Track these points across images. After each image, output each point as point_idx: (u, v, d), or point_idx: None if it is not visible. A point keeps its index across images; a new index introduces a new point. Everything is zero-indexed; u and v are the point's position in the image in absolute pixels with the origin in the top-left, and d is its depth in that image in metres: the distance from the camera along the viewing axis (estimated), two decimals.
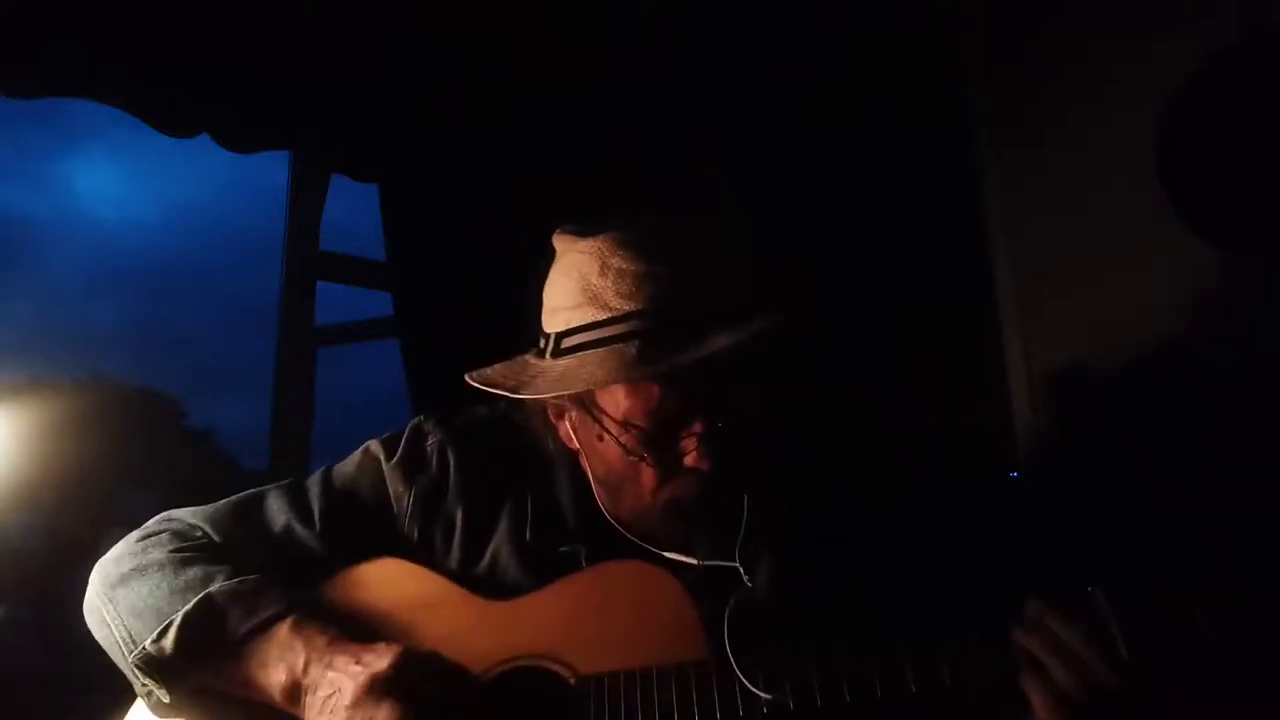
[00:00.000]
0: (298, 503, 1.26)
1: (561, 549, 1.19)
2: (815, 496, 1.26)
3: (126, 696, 1.17)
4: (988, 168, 2.25)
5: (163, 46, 2.07)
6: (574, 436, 1.20)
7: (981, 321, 2.23)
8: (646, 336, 1.07)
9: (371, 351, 2.98)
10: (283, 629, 1.09)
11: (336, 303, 2.94)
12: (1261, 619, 0.89)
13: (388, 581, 1.20)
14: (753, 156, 2.66)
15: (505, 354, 1.24)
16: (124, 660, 1.12)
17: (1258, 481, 1.48)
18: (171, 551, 1.18)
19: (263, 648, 1.08)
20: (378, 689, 1.00)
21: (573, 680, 1.08)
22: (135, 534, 1.24)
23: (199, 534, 1.23)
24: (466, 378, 1.20)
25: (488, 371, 1.21)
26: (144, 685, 1.12)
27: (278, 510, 1.25)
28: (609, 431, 1.11)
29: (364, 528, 1.25)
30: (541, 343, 1.18)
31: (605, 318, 1.09)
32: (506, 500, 1.24)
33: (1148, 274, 1.84)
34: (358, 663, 1.03)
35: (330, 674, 1.03)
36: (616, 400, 1.10)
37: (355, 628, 1.12)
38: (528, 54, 2.47)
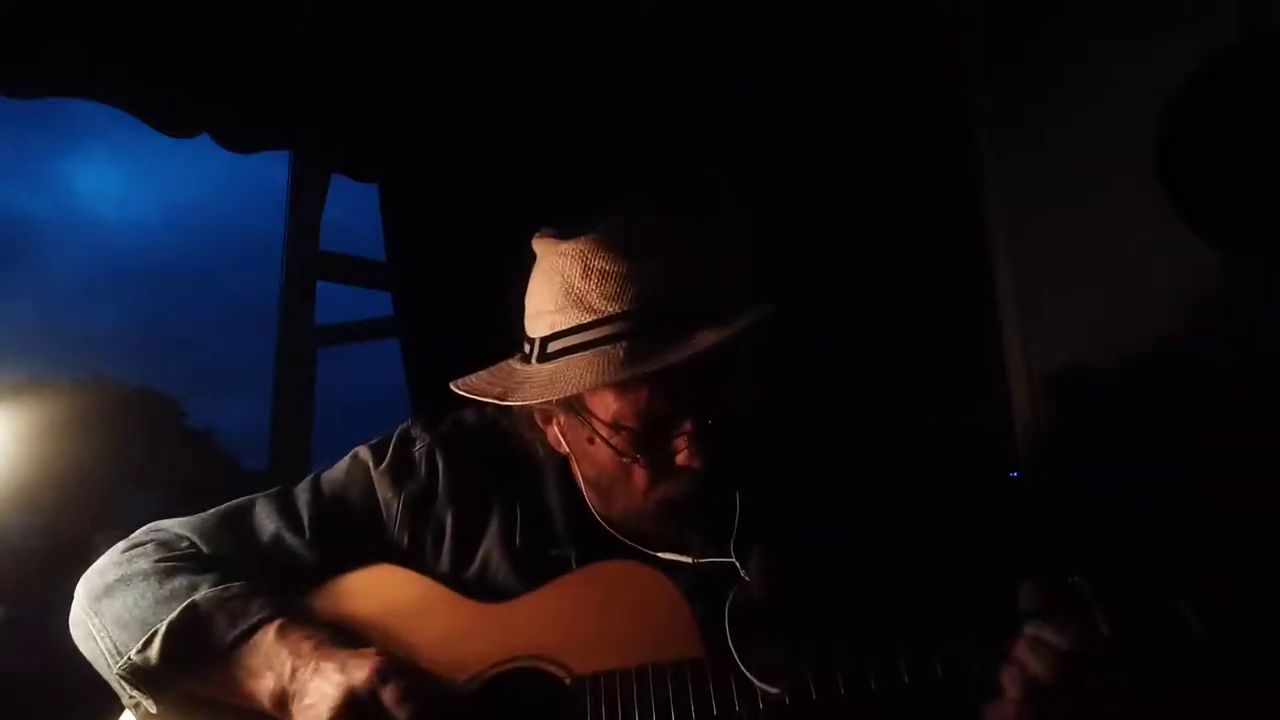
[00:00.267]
0: (286, 510, 1.26)
1: (552, 552, 1.19)
2: (809, 491, 1.25)
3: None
4: (988, 168, 2.25)
5: (163, 46, 2.07)
6: (563, 440, 1.20)
7: (981, 321, 2.23)
8: (632, 337, 1.06)
9: (371, 351, 2.98)
10: (269, 635, 1.08)
11: (336, 303, 2.94)
12: (1246, 611, 0.89)
13: (380, 587, 1.20)
14: (753, 156, 2.66)
15: (505, 354, 1.24)
16: (110, 672, 1.12)
17: (1258, 481, 1.48)
18: (156, 561, 1.17)
19: (249, 654, 1.07)
20: (357, 700, 1.00)
21: (568, 681, 1.08)
22: (120, 545, 1.23)
23: (185, 544, 1.22)
24: (452, 386, 1.20)
25: (473, 379, 1.21)
26: (131, 697, 1.11)
27: (266, 518, 1.25)
28: (599, 434, 1.11)
29: (354, 534, 1.25)
30: (526, 348, 1.18)
31: (590, 320, 1.09)
32: (495, 504, 1.24)
33: (1148, 274, 1.84)
34: (341, 670, 1.02)
35: (314, 681, 1.03)
36: (606, 402, 1.10)
37: (348, 634, 1.12)
38: (528, 54, 2.47)
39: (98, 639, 1.13)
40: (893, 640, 0.99)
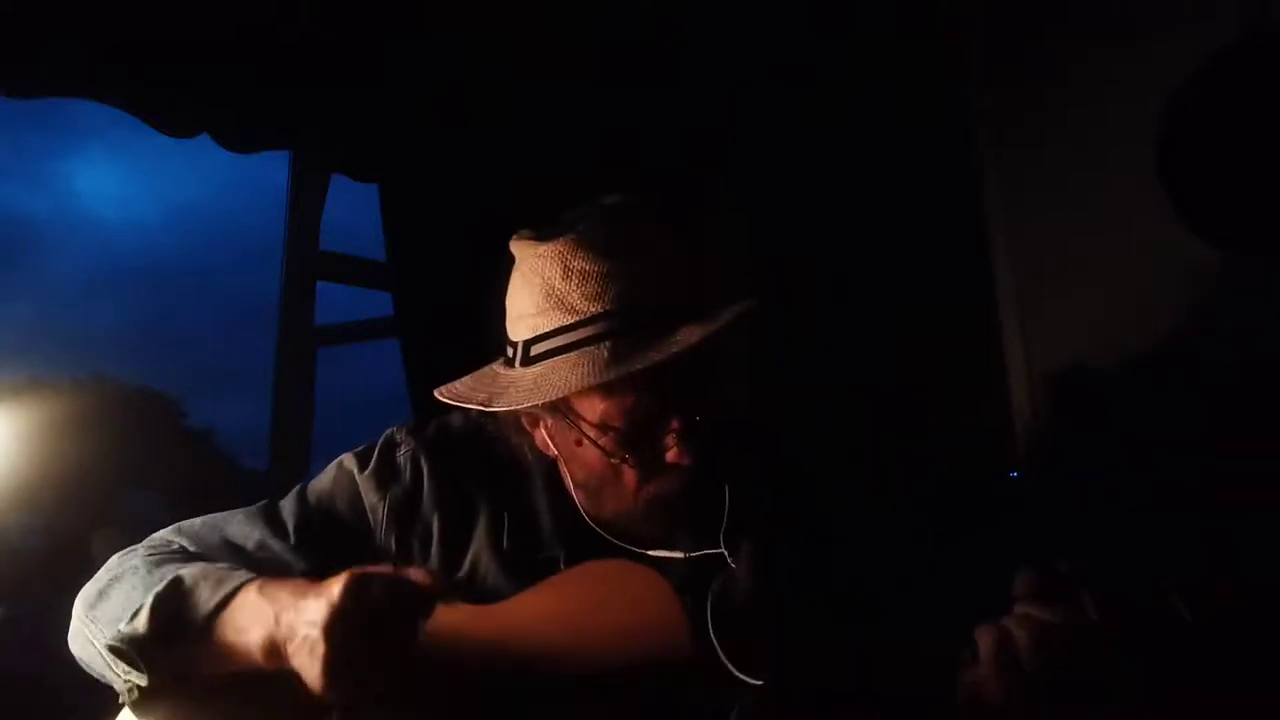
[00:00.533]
0: (272, 520, 1.25)
1: (540, 554, 1.19)
2: (801, 487, 1.25)
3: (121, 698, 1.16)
4: (988, 168, 2.25)
5: (163, 46, 2.07)
6: (551, 443, 1.19)
7: (981, 321, 2.23)
8: (616, 337, 1.06)
9: (371, 351, 2.98)
10: (250, 593, 1.07)
11: (336, 303, 2.94)
12: (1237, 599, 0.89)
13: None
14: (753, 156, 2.66)
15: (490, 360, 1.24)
16: (102, 657, 1.11)
17: (1257, 481, 1.48)
18: (145, 558, 1.18)
19: (236, 615, 1.06)
20: (343, 613, 0.96)
21: (559, 681, 1.08)
22: (115, 556, 1.24)
23: (175, 545, 1.23)
24: (436, 394, 1.20)
25: (457, 386, 1.20)
26: (125, 678, 1.10)
27: (252, 527, 1.25)
28: (587, 435, 1.10)
29: (340, 541, 1.24)
30: (509, 352, 1.17)
31: (572, 321, 1.08)
32: (482, 507, 1.24)
33: (1148, 274, 1.84)
34: (317, 598, 0.99)
35: (300, 617, 1.00)
36: (592, 403, 1.09)
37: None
38: (528, 54, 2.47)
39: (95, 641, 1.13)
40: (881, 633, 0.99)
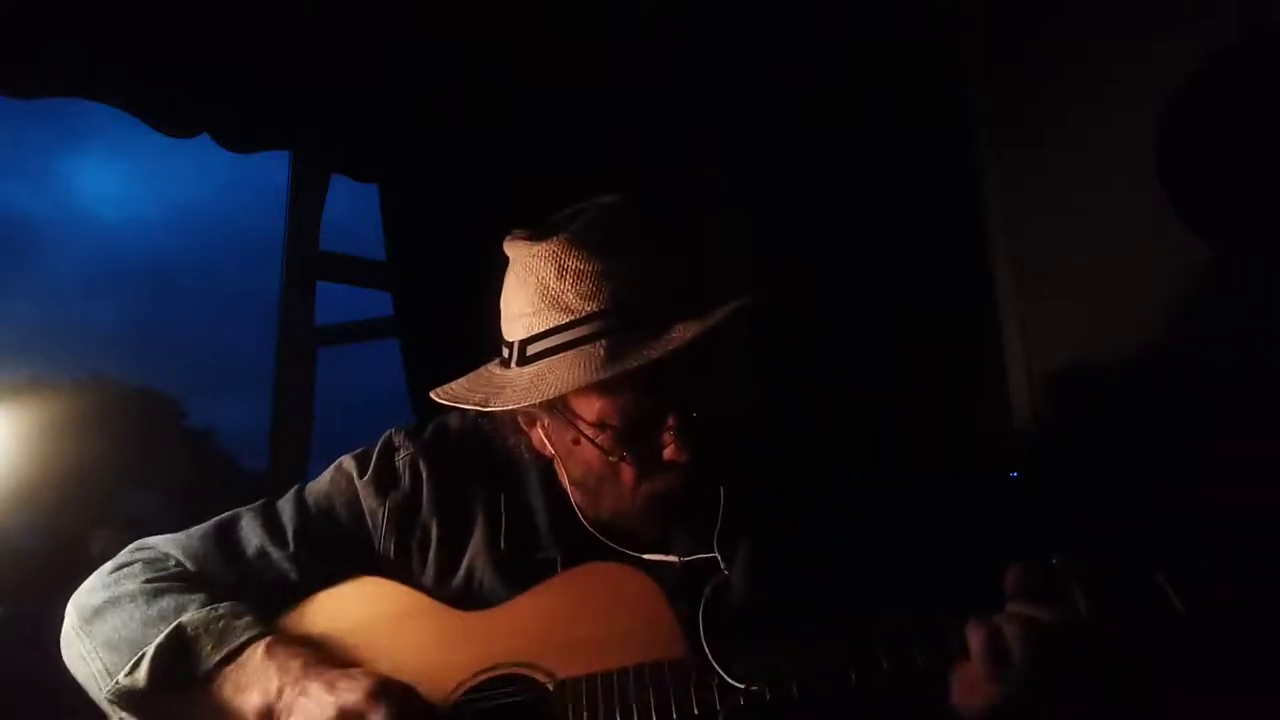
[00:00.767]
0: (270, 524, 1.25)
1: (538, 556, 1.19)
2: (795, 486, 1.25)
3: None
4: (988, 168, 2.25)
5: (163, 46, 2.07)
6: (548, 443, 1.19)
7: (981, 321, 2.23)
8: (611, 335, 1.06)
9: (371, 351, 2.98)
10: (256, 654, 1.08)
11: (336, 303, 2.94)
12: (1230, 594, 0.89)
13: (363, 599, 1.20)
14: (753, 156, 2.66)
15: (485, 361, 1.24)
16: (100, 694, 1.12)
17: (1257, 481, 1.48)
18: (144, 582, 1.17)
19: (236, 674, 1.08)
20: None
21: (551, 686, 1.07)
22: (108, 565, 1.23)
23: (172, 563, 1.22)
24: (433, 395, 1.19)
25: (453, 387, 1.20)
26: (119, 718, 1.11)
27: (250, 533, 1.25)
28: (584, 434, 1.10)
29: (339, 545, 1.25)
30: (504, 352, 1.17)
31: (568, 320, 1.08)
32: (480, 510, 1.24)
33: (1148, 274, 1.84)
34: (330, 691, 1.02)
35: (302, 700, 1.03)
36: (589, 402, 1.09)
37: (332, 647, 1.13)
38: (528, 54, 2.47)
39: (88, 660, 1.13)
40: (870, 630, 0.99)
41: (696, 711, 1.00)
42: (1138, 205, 1.82)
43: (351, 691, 1.01)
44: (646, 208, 1.17)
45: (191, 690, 1.08)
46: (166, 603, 1.14)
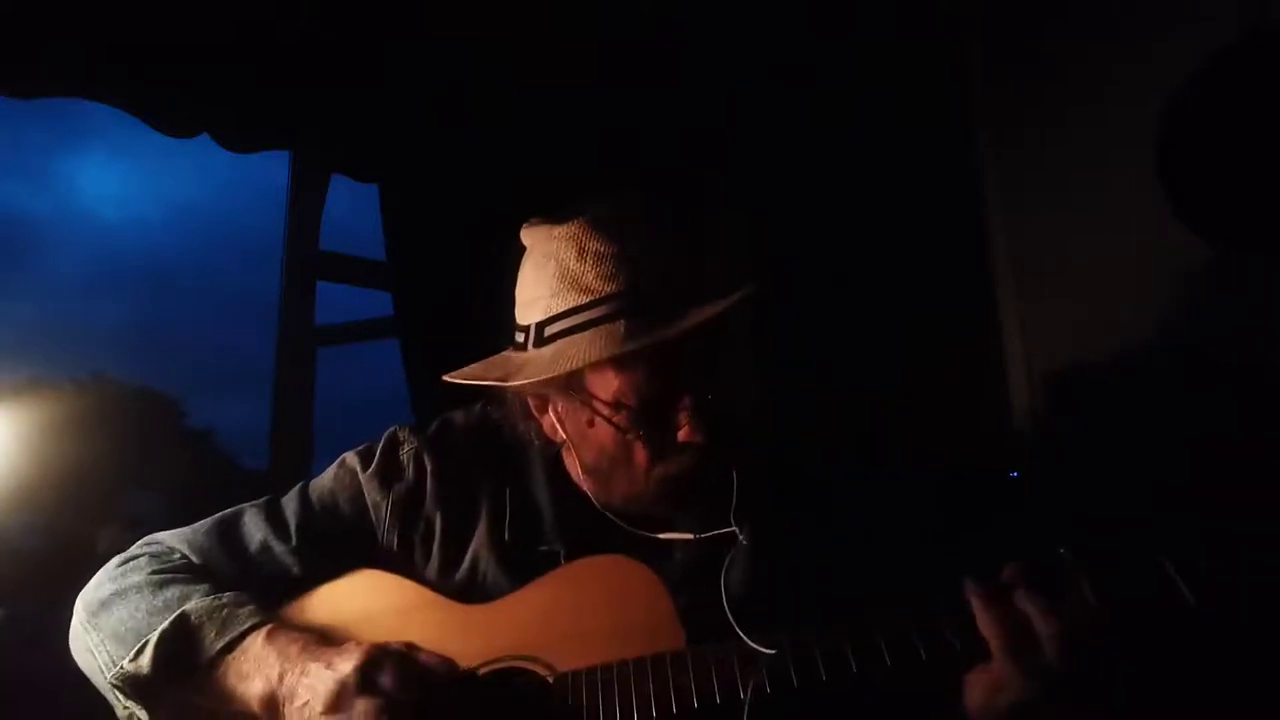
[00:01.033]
0: (274, 519, 1.26)
1: (541, 548, 1.19)
2: (806, 469, 1.27)
3: None
4: (988, 168, 2.25)
5: (163, 46, 2.07)
6: (560, 428, 1.19)
7: (981, 321, 2.23)
8: (631, 314, 1.07)
9: (371, 351, 2.98)
10: (257, 641, 1.09)
11: (336, 303, 2.94)
12: (1239, 585, 0.89)
13: (366, 592, 1.21)
14: (753, 156, 2.66)
15: (498, 351, 1.24)
16: (105, 682, 1.12)
17: (1257, 481, 1.48)
18: (150, 574, 1.18)
19: (239, 661, 1.08)
20: (348, 693, 1.00)
21: (552, 679, 1.08)
22: (115, 559, 1.24)
23: (178, 556, 1.23)
24: (447, 378, 1.20)
25: (468, 370, 1.21)
26: (125, 709, 1.12)
27: (254, 528, 1.25)
28: (600, 413, 1.11)
29: (343, 540, 1.25)
30: (519, 337, 1.18)
31: (587, 301, 1.09)
32: (484, 503, 1.24)
33: (1148, 274, 1.84)
34: (328, 667, 1.03)
35: (304, 681, 1.03)
36: (606, 381, 1.10)
37: (335, 640, 1.12)
38: (528, 54, 2.47)
39: (95, 653, 1.14)
40: (892, 604, 1.00)
41: (697, 704, 1.01)
42: (1138, 205, 1.82)
43: (349, 661, 1.02)
44: (664, 201, 1.19)
45: (195, 678, 1.09)
46: (171, 593, 1.14)
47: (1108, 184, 1.94)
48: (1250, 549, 0.91)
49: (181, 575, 1.19)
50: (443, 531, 1.23)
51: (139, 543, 1.27)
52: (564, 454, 1.24)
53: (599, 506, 1.21)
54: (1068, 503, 1.92)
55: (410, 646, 1.07)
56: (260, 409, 2.70)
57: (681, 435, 1.10)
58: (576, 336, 1.09)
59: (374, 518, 1.26)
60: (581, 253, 1.11)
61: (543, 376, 1.10)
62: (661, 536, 1.18)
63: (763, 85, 2.64)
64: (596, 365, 1.08)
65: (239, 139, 2.29)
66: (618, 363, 1.08)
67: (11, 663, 2.19)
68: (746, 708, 0.99)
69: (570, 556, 1.17)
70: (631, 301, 1.08)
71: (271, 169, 2.88)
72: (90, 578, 1.23)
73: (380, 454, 1.29)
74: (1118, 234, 1.90)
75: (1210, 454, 1.63)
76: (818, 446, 1.37)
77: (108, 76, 2.05)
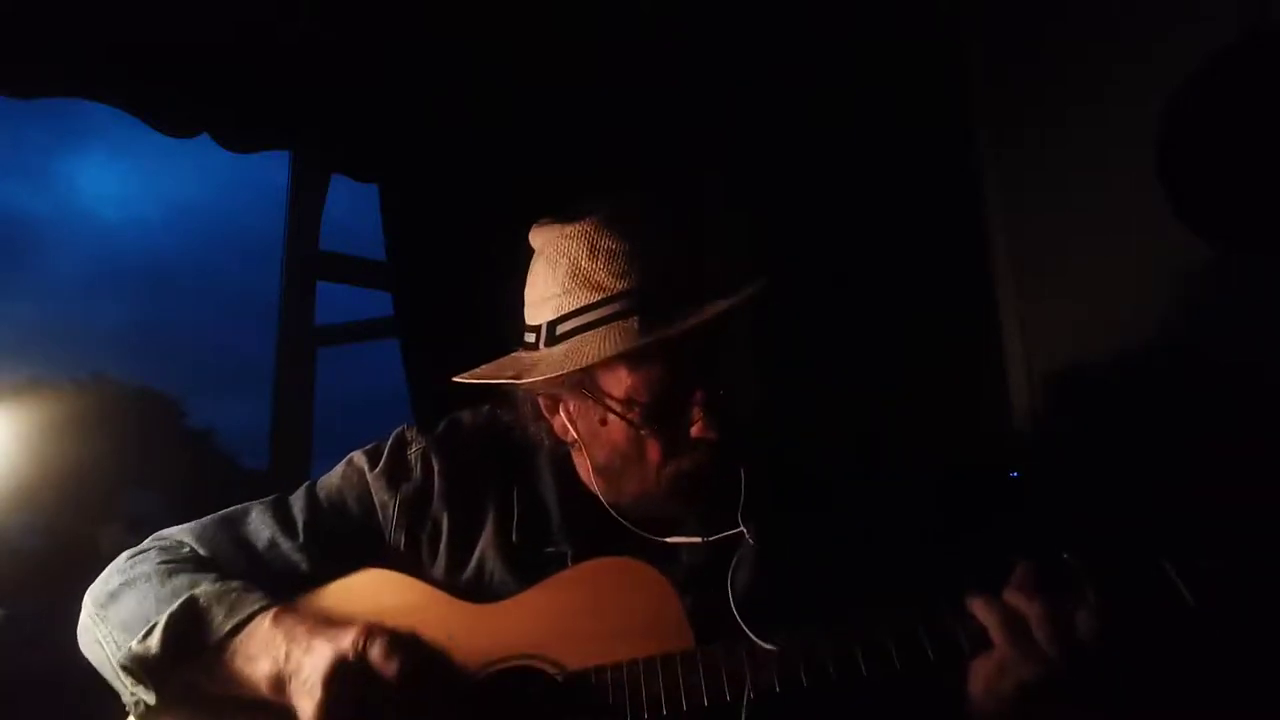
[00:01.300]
0: (282, 517, 1.26)
1: (548, 549, 1.20)
2: (811, 468, 1.27)
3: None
4: (988, 168, 2.25)
5: (163, 46, 2.07)
6: (572, 427, 1.19)
7: (981, 321, 2.23)
8: (644, 311, 1.08)
9: (371, 351, 2.98)
10: (264, 623, 1.09)
11: (336, 303, 2.94)
12: (1239, 586, 0.90)
13: (373, 591, 1.20)
14: (753, 156, 2.66)
15: (505, 353, 1.24)
16: (112, 669, 1.12)
17: (1257, 481, 1.48)
18: (159, 564, 1.18)
19: (246, 644, 1.08)
20: (347, 665, 1.01)
21: (561, 678, 1.08)
22: (125, 553, 1.24)
23: (186, 549, 1.23)
24: (457, 379, 1.20)
25: (478, 370, 1.21)
26: (132, 693, 1.12)
27: (262, 525, 1.26)
28: (613, 410, 1.11)
29: (350, 539, 1.25)
30: (529, 337, 1.18)
31: (599, 299, 1.10)
32: (492, 503, 1.24)
33: (1148, 274, 1.84)
34: (329, 642, 1.03)
35: (308, 658, 1.03)
36: (619, 378, 1.10)
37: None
38: (528, 54, 2.47)
39: (103, 644, 1.14)
40: (910, 613, 1.00)
41: (706, 702, 1.01)
42: (1138, 205, 1.82)
43: (348, 635, 1.03)
44: (671, 201, 1.20)
45: (203, 659, 1.09)
46: (180, 580, 1.15)
47: (1108, 184, 1.94)
48: (1250, 549, 0.91)
49: (190, 565, 1.19)
50: (450, 531, 1.23)
51: (149, 539, 1.27)
52: (574, 455, 1.25)
53: (608, 507, 1.21)
54: (1068, 503, 1.92)
55: (413, 632, 1.08)
56: (260, 409, 2.70)
57: (694, 431, 1.10)
58: (589, 334, 1.09)
59: (381, 517, 1.26)
60: (593, 251, 1.12)
61: (556, 373, 1.10)
62: (670, 540, 1.18)
63: (763, 85, 2.64)
64: (609, 363, 1.09)
65: (239, 139, 2.29)
66: (631, 360, 1.08)
67: (11, 663, 2.19)
68: (753, 707, 0.99)
69: (577, 558, 1.17)
70: (644, 298, 1.08)
71: (271, 169, 2.88)
72: (90, 577, 1.23)
73: (388, 453, 1.29)
74: (1118, 234, 1.90)
75: (1210, 454, 1.63)
76: (818, 446, 1.37)
77: (108, 76, 2.05)
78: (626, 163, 2.48)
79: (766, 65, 2.62)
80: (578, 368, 1.08)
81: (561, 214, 1.19)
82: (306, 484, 1.32)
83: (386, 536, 1.25)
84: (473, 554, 1.22)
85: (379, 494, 1.27)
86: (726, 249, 1.19)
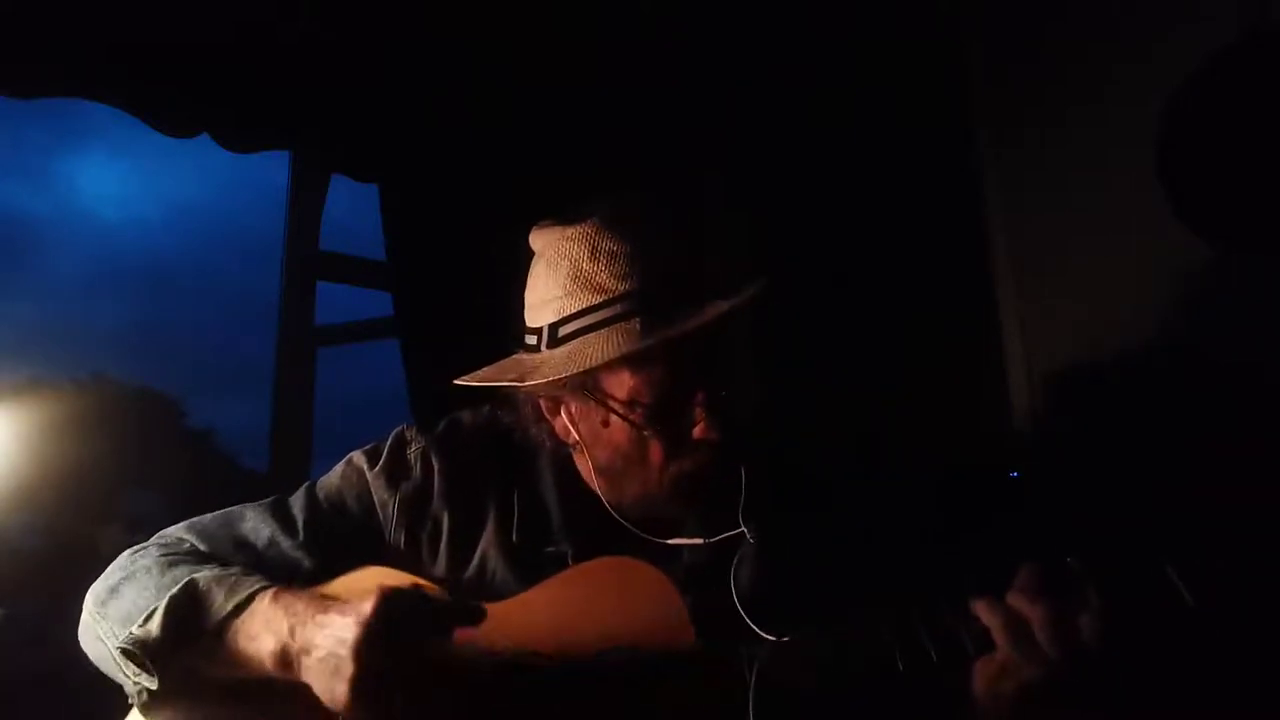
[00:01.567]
0: (282, 516, 1.26)
1: (549, 549, 1.20)
2: (811, 469, 1.27)
3: (127, 698, 1.17)
4: (988, 168, 2.25)
5: (163, 46, 2.07)
6: (573, 429, 1.19)
7: (981, 321, 2.23)
8: (646, 312, 1.08)
9: (371, 351, 2.98)
10: (264, 601, 1.08)
11: (336, 303, 2.94)
12: (1239, 587, 0.90)
13: (372, 590, 1.20)
14: (753, 156, 2.66)
15: (505, 354, 1.24)
16: (114, 660, 1.12)
17: (1257, 481, 1.48)
18: (159, 557, 1.19)
19: (248, 623, 1.07)
20: (373, 632, 0.97)
21: (563, 675, 1.08)
22: (126, 552, 1.25)
23: (186, 545, 1.24)
24: (458, 382, 1.20)
25: (479, 372, 1.21)
26: (135, 681, 1.11)
27: (262, 523, 1.25)
28: (615, 412, 1.12)
29: (349, 538, 1.25)
30: (530, 339, 1.18)
31: (601, 300, 1.10)
32: (492, 503, 1.24)
33: (1148, 274, 1.84)
34: (344, 614, 1.00)
35: (324, 632, 1.01)
36: (621, 379, 1.10)
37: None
38: (528, 54, 2.47)
39: (105, 640, 1.14)
40: (914, 613, 1.00)
41: (707, 700, 1.01)
42: (1138, 205, 1.82)
43: (367, 602, 0.99)
44: (662, 200, 1.20)
45: (204, 642, 1.08)
46: (180, 571, 1.15)
47: (1108, 184, 1.94)
48: (1250, 549, 0.91)
49: (190, 558, 1.19)
50: (450, 531, 1.23)
51: (153, 538, 1.27)
52: (575, 456, 1.24)
53: (609, 508, 1.21)
54: (1068, 503, 1.92)
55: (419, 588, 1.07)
56: (260, 409, 2.70)
57: (697, 432, 1.10)
58: (591, 336, 1.10)
59: (381, 516, 1.26)
60: (594, 253, 1.12)
61: (558, 376, 1.10)
62: (670, 542, 1.18)
63: (763, 85, 2.64)
64: (611, 364, 1.08)
65: (239, 139, 2.29)
66: (633, 361, 1.08)
67: (12, 663, 2.19)
68: (754, 704, 0.99)
69: (578, 558, 1.17)
70: (646, 299, 1.09)
71: (271, 169, 2.89)
72: (90, 577, 1.23)
73: (388, 453, 1.29)
74: (1118, 234, 1.90)
75: (1210, 454, 1.63)
76: (818, 446, 1.37)
77: (108, 76, 2.05)
78: (626, 163, 2.48)
79: (766, 65, 2.62)
80: (581, 370, 1.08)
81: (562, 216, 1.19)
82: (306, 484, 1.32)
83: (386, 536, 1.25)
84: (474, 553, 1.22)
85: (378, 493, 1.26)
86: (727, 249, 1.19)
